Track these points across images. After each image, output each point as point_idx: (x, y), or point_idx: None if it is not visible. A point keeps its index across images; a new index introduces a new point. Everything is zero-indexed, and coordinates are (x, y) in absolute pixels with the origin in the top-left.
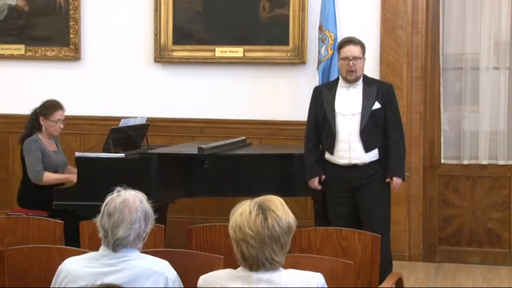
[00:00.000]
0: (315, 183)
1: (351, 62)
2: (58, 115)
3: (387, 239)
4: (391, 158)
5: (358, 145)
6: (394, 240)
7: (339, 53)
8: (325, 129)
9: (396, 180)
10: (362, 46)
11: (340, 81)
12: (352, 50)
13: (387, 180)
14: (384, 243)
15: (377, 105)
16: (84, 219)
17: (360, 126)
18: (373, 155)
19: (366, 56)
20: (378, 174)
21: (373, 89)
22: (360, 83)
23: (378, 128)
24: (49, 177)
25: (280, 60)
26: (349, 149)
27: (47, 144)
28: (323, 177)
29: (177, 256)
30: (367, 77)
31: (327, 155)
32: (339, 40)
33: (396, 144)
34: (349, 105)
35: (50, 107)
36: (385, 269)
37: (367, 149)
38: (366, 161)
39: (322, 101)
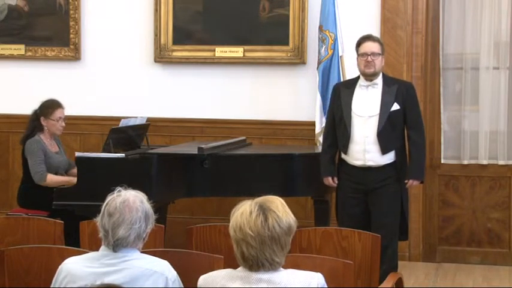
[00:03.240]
0: (328, 181)
1: (369, 58)
2: (58, 113)
3: (395, 245)
4: (411, 159)
5: (374, 147)
6: None
7: (357, 50)
8: (341, 129)
9: (412, 182)
10: (381, 44)
11: (360, 80)
12: (370, 46)
13: (406, 181)
14: (390, 249)
15: (396, 106)
16: (84, 219)
17: (377, 128)
18: (389, 157)
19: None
20: (393, 178)
21: (393, 89)
22: (380, 83)
23: (396, 129)
24: (52, 179)
25: (280, 60)
26: (364, 151)
27: (49, 145)
28: (335, 179)
29: (177, 256)
30: (387, 76)
31: (343, 155)
32: (338, 40)
33: (417, 145)
34: (366, 106)
35: (50, 106)
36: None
37: (384, 151)
38: (381, 163)
39: (340, 101)
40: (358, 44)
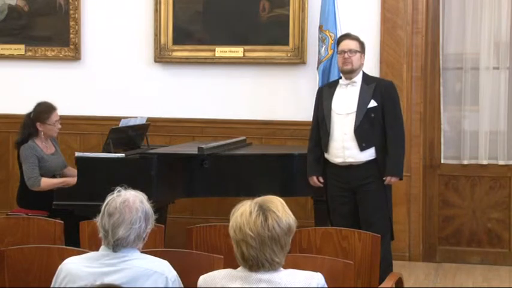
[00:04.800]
0: (313, 180)
1: (346, 54)
2: (54, 117)
3: (387, 243)
4: (389, 156)
5: (352, 144)
6: (394, 240)
7: (337, 49)
8: (323, 128)
9: (390, 179)
10: (359, 42)
11: (341, 80)
12: (348, 43)
13: (384, 178)
14: (383, 246)
15: (373, 103)
16: (84, 219)
17: (354, 125)
18: (369, 154)
19: (366, 54)
20: (375, 175)
21: (371, 87)
22: (359, 81)
23: (375, 126)
24: (47, 182)
25: (280, 60)
26: (343, 147)
27: (44, 148)
28: (320, 178)
29: (177, 256)
30: (367, 75)
31: (325, 154)
32: None
33: (393, 142)
34: (345, 104)
35: (45, 111)
36: (385, 273)
37: (362, 147)
38: (361, 160)
39: (322, 100)
40: (338, 43)
